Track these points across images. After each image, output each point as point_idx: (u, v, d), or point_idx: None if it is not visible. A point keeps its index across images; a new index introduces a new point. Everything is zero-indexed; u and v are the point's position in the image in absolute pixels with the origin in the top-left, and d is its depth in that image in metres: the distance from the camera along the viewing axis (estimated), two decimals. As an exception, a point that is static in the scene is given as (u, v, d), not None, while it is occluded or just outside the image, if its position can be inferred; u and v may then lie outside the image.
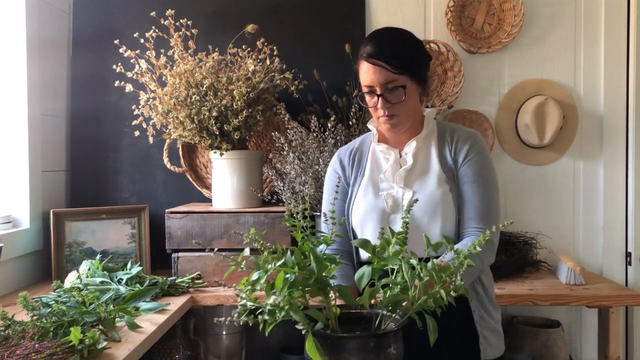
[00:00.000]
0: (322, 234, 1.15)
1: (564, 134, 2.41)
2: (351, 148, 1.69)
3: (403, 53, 1.51)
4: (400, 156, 1.59)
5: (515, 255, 2.19)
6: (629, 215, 2.40)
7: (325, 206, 1.66)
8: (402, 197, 1.53)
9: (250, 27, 2.23)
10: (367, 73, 1.51)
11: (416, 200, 1.31)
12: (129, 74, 2.08)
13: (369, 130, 1.68)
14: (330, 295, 1.12)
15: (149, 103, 2.07)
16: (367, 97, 1.54)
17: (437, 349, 1.15)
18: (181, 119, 2.03)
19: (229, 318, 1.08)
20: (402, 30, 1.59)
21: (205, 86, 2.01)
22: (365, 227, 1.55)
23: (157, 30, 2.08)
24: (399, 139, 1.61)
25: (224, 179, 2.13)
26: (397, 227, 1.31)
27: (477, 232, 1.50)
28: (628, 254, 2.40)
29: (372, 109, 1.55)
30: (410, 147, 1.57)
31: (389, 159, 1.59)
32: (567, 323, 2.43)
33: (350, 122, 2.24)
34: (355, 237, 1.59)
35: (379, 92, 1.50)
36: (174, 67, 2.07)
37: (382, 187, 1.56)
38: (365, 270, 1.13)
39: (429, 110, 1.63)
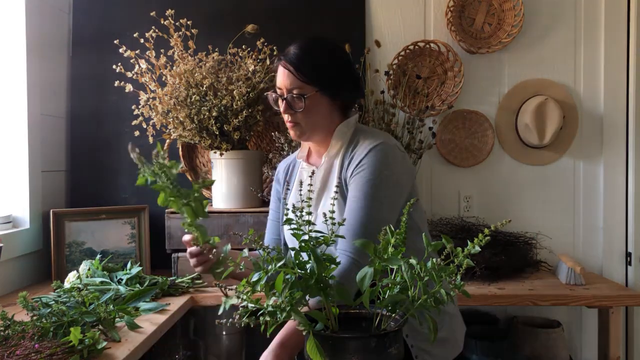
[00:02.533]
0: (323, 234, 1.15)
1: (564, 134, 2.41)
2: (288, 162, 1.70)
3: (314, 62, 1.47)
4: (313, 172, 1.49)
5: (515, 255, 2.18)
6: (629, 215, 2.40)
7: (270, 216, 1.69)
8: (314, 218, 1.41)
9: (250, 27, 2.23)
10: (278, 74, 1.51)
11: (416, 200, 1.31)
12: (129, 74, 2.08)
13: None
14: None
15: (149, 103, 2.07)
16: (279, 100, 1.52)
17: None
18: (181, 119, 2.03)
19: (230, 319, 1.08)
20: (327, 41, 1.55)
21: (205, 86, 2.01)
22: (292, 244, 1.43)
23: (157, 30, 2.08)
24: (319, 152, 1.57)
25: (224, 179, 2.13)
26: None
27: (343, 255, 1.34)
28: (628, 254, 2.40)
29: (282, 114, 1.53)
30: (322, 164, 1.53)
31: (307, 177, 1.54)
32: (567, 323, 2.43)
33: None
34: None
35: (284, 96, 1.50)
36: (174, 67, 2.07)
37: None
38: (367, 271, 1.13)
39: (347, 121, 1.53)
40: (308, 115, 1.49)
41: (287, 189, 1.63)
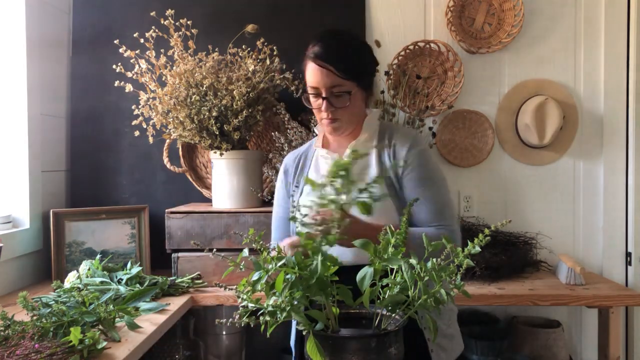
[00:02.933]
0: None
1: (564, 134, 2.41)
2: (297, 153, 1.69)
3: (351, 58, 1.49)
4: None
5: (515, 255, 2.19)
6: (629, 215, 2.40)
7: (274, 209, 1.70)
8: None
9: (250, 27, 2.23)
10: (313, 74, 1.49)
11: (416, 200, 1.31)
12: (129, 74, 2.08)
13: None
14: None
15: (149, 103, 2.07)
16: (312, 98, 1.53)
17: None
18: (181, 119, 2.03)
19: (230, 319, 1.08)
20: (350, 34, 1.57)
21: (205, 86, 2.01)
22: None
23: (157, 30, 2.08)
24: (341, 142, 1.60)
25: (224, 179, 2.13)
26: None
27: (437, 229, 1.46)
28: (628, 254, 2.40)
29: (316, 110, 1.54)
30: (347, 152, 1.54)
31: (329, 163, 1.54)
32: (567, 323, 2.43)
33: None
34: None
35: (324, 95, 1.49)
36: (174, 67, 2.07)
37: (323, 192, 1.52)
38: (367, 271, 1.13)
39: (372, 112, 1.61)
40: (349, 110, 1.51)
41: (297, 180, 1.61)
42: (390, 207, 1.47)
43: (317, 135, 1.67)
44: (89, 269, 1.90)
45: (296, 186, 1.62)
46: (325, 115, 1.51)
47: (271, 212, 2.05)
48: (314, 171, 1.60)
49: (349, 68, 1.47)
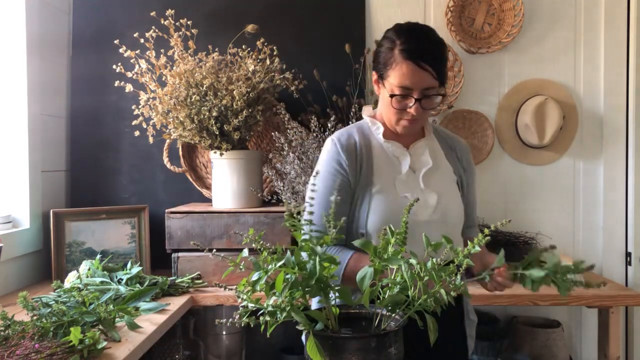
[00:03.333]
0: (320, 233, 1.15)
1: (564, 134, 2.41)
2: (353, 141, 1.50)
3: (445, 60, 1.44)
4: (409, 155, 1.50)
5: (515, 255, 2.18)
6: (629, 215, 2.40)
7: (324, 205, 1.40)
8: (427, 200, 1.45)
9: (250, 27, 2.23)
10: (409, 75, 1.38)
11: (417, 200, 1.30)
12: (129, 74, 2.08)
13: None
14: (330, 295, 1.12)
15: (149, 103, 2.07)
16: (398, 99, 1.41)
17: (431, 349, 1.14)
18: (181, 119, 2.03)
19: (230, 319, 1.08)
20: (434, 31, 1.47)
21: (205, 86, 2.01)
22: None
23: (157, 30, 2.08)
24: (402, 137, 1.51)
25: (224, 179, 2.13)
26: (423, 230, 1.25)
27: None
28: (628, 254, 2.40)
29: (397, 110, 1.43)
30: (422, 148, 1.51)
31: (401, 159, 1.49)
32: (567, 323, 2.43)
33: (350, 122, 2.24)
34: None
35: (417, 97, 1.40)
36: (174, 67, 2.07)
37: (401, 190, 1.45)
38: (367, 271, 1.13)
39: None
40: (429, 111, 1.47)
41: (369, 170, 1.48)
42: (460, 208, 1.52)
43: (368, 121, 1.55)
44: (89, 269, 1.90)
45: (362, 181, 1.47)
46: (410, 116, 1.43)
47: (271, 212, 2.07)
48: (387, 166, 1.48)
49: (444, 70, 1.41)
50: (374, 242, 1.29)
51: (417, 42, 1.40)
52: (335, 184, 1.45)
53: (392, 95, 1.42)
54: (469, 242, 1.12)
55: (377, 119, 1.54)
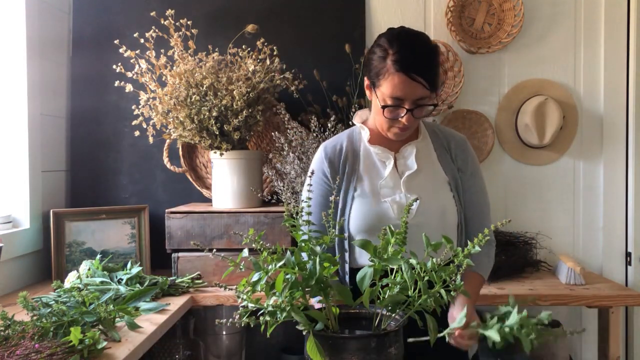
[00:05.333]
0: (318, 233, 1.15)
1: (564, 134, 2.41)
2: (339, 147, 1.57)
3: (437, 70, 1.43)
4: (395, 159, 1.53)
5: (515, 255, 2.18)
6: (629, 215, 2.40)
7: (314, 209, 1.45)
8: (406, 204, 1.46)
9: (250, 27, 2.23)
10: (401, 86, 1.39)
11: (416, 199, 1.31)
12: (129, 74, 2.08)
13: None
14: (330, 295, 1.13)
15: (149, 103, 2.07)
16: (390, 109, 1.43)
17: (432, 346, 1.15)
18: (181, 119, 2.03)
19: (230, 319, 1.08)
20: (425, 37, 1.48)
21: (205, 86, 2.01)
22: (368, 234, 1.45)
23: (157, 30, 2.07)
24: (392, 141, 1.55)
25: (224, 179, 2.13)
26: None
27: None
28: (628, 254, 2.40)
29: (389, 120, 1.46)
30: (408, 152, 1.53)
31: (387, 163, 1.52)
32: (567, 323, 2.43)
33: (350, 122, 2.24)
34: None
35: (408, 107, 1.41)
36: (174, 67, 2.07)
37: (384, 193, 1.49)
38: (367, 271, 1.13)
39: None
40: (420, 119, 1.49)
41: (352, 175, 1.52)
42: (453, 205, 1.51)
43: (356, 126, 1.59)
44: (89, 269, 1.90)
45: (345, 186, 1.52)
46: (402, 125, 1.44)
47: (271, 212, 2.07)
48: (371, 171, 1.52)
49: (436, 81, 1.41)
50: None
51: (410, 52, 1.39)
52: (321, 191, 1.54)
53: (384, 107, 1.43)
54: (469, 243, 1.12)
55: (367, 124, 1.58)
